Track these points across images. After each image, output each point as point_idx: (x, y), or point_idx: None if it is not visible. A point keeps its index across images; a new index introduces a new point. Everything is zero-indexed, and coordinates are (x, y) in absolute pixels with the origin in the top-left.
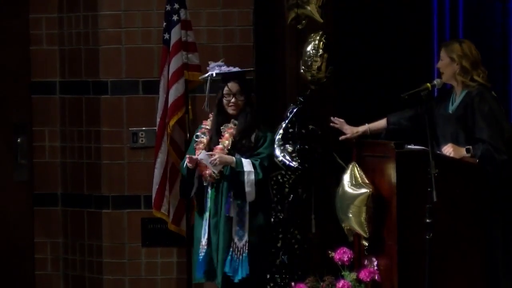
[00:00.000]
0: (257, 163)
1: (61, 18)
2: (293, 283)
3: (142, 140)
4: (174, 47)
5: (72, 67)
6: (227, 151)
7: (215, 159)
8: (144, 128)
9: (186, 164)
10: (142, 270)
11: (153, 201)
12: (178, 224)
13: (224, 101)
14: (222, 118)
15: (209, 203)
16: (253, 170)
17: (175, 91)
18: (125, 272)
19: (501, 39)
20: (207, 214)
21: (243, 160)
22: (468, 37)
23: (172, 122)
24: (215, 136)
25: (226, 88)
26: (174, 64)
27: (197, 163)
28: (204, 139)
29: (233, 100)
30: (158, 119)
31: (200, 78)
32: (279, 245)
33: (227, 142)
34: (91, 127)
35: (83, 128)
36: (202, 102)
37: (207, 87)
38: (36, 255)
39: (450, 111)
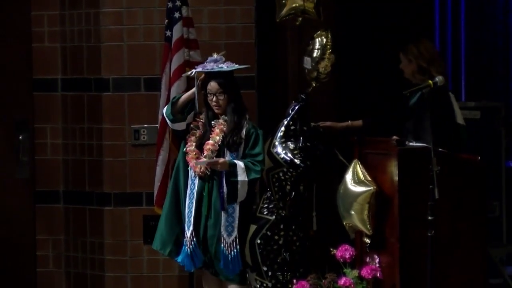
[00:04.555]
0: (258, 168)
1: (63, 15)
2: (294, 281)
3: (143, 137)
4: (176, 44)
5: (74, 64)
6: (217, 146)
7: (217, 166)
8: (145, 125)
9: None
10: (144, 267)
11: (154, 198)
12: None
13: (208, 99)
14: (212, 113)
15: (195, 196)
16: (246, 179)
17: (177, 89)
18: (127, 269)
19: (503, 36)
20: (192, 206)
21: (238, 166)
22: (470, 34)
23: None
24: (208, 130)
25: (207, 87)
26: (176, 61)
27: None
28: (197, 132)
29: (214, 99)
30: (159, 116)
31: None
32: (280, 242)
33: (218, 137)
34: (93, 124)
35: (84, 125)
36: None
37: (196, 84)
38: (38, 252)
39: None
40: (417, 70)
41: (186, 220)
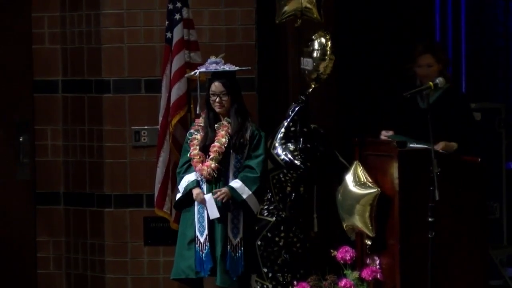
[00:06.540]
0: (255, 174)
1: (63, 16)
2: (295, 282)
3: (144, 139)
4: (176, 45)
5: (75, 66)
6: (224, 148)
7: (223, 198)
8: (146, 127)
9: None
10: (144, 269)
11: (155, 200)
12: None
13: (211, 100)
14: (213, 114)
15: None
16: (251, 192)
17: (177, 90)
18: (127, 271)
19: (504, 37)
20: (203, 211)
21: (236, 188)
22: (470, 36)
23: (174, 121)
24: (210, 132)
25: (211, 88)
26: (177, 62)
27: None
28: (198, 136)
29: (217, 100)
30: (160, 118)
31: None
32: (281, 244)
33: (223, 140)
34: (94, 126)
35: (85, 127)
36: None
37: (198, 86)
38: (38, 254)
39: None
40: (442, 69)
41: (198, 225)
